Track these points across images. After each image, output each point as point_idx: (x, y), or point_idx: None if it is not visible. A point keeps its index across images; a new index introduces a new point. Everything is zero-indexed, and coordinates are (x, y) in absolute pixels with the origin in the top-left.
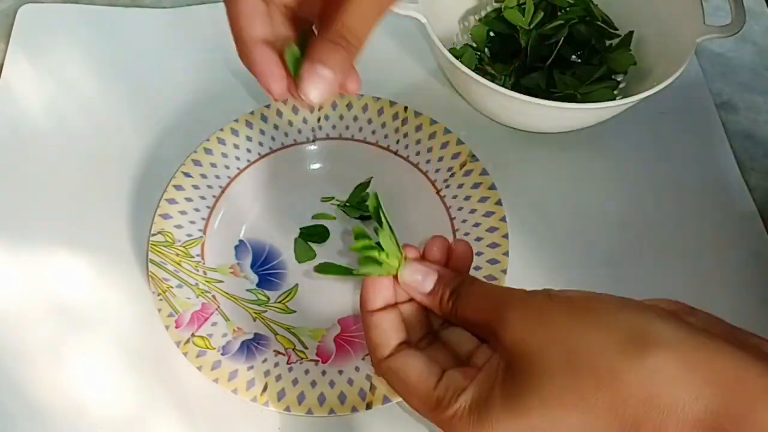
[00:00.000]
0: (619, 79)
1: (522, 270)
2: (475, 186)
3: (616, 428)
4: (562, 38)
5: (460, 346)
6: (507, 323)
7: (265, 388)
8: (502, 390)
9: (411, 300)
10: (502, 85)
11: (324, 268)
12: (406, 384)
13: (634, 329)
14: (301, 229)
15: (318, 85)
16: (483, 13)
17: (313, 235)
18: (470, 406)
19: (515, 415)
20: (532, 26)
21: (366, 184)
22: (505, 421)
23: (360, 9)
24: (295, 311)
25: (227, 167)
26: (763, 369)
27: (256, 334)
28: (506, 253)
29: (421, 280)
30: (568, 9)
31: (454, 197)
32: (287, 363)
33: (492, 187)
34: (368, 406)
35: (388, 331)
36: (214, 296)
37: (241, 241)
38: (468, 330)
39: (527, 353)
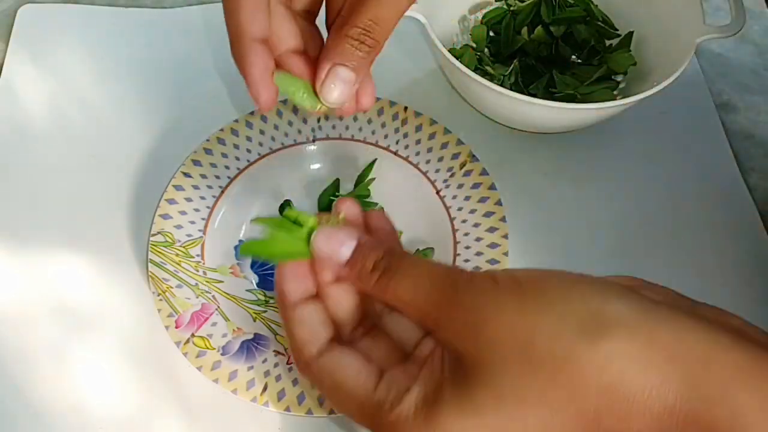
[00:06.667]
0: (619, 79)
1: None
2: (475, 186)
3: (577, 422)
4: (560, 36)
5: (403, 336)
6: (449, 319)
7: (265, 388)
8: (452, 387)
9: (338, 282)
10: (502, 85)
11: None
12: (341, 388)
13: (590, 310)
14: None
15: (338, 88)
16: (483, 13)
17: None
18: (416, 408)
19: (467, 414)
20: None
21: (334, 186)
22: (457, 422)
23: (385, 4)
24: None
25: (227, 167)
26: (730, 343)
27: (256, 334)
28: (506, 253)
29: (337, 247)
30: (567, 9)
31: (454, 197)
32: (287, 363)
33: (492, 187)
34: None
35: (316, 326)
36: (214, 296)
37: (241, 241)
38: (404, 315)
39: (476, 348)
